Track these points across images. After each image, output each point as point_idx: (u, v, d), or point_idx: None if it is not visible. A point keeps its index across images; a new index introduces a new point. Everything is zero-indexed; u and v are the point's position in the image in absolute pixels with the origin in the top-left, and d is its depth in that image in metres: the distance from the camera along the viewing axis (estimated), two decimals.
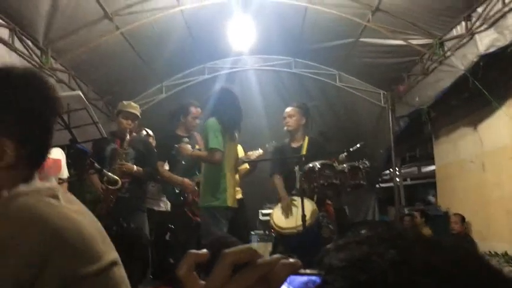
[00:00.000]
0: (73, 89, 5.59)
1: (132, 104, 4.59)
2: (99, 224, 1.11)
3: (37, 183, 1.11)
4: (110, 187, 4.06)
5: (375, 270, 0.44)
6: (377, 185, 9.08)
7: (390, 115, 7.18)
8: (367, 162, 4.23)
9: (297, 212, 3.85)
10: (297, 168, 4.05)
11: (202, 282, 0.53)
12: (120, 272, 1.07)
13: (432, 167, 8.57)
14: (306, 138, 4.41)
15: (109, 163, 4.33)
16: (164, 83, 7.32)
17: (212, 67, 7.38)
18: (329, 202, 4.53)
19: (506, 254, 4.53)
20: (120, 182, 4.06)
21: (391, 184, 8.42)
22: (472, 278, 0.44)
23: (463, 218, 5.90)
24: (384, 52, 5.94)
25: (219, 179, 3.82)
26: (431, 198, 9.06)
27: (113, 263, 1.04)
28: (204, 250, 0.55)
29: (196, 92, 6.89)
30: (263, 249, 5.70)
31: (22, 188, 1.06)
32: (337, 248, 0.49)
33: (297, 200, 4.00)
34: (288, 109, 4.58)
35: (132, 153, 4.40)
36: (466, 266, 0.45)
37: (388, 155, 7.64)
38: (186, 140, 4.67)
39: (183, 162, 4.54)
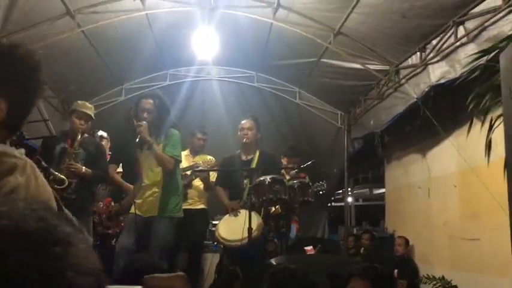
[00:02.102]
0: None
1: (87, 104, 4.51)
2: None
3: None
4: (56, 186, 3.95)
5: None
6: (329, 204, 9.23)
7: (346, 136, 7.35)
8: (324, 184, 4.31)
9: (242, 224, 3.86)
10: (245, 181, 4.08)
11: None
12: None
13: (383, 190, 8.80)
14: (257, 152, 4.45)
15: (57, 162, 4.23)
16: (124, 86, 7.22)
17: (175, 74, 7.36)
18: (296, 219, 4.60)
19: (443, 278, 4.69)
20: (66, 182, 3.96)
21: (343, 204, 8.58)
22: None
23: (407, 241, 6.07)
24: (343, 74, 6.09)
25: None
26: (380, 220, 9.28)
27: None
28: None
29: None
30: (210, 260, 5.69)
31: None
32: None
33: (242, 213, 4.02)
34: (244, 121, 4.61)
35: (82, 154, 4.31)
36: None
37: (341, 175, 7.80)
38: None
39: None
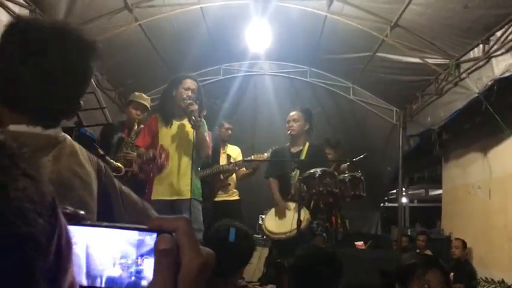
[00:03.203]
0: None
1: (143, 95, 4.63)
2: None
3: None
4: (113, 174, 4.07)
5: None
6: (382, 204, 9.02)
7: (401, 133, 7.12)
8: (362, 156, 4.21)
9: (289, 217, 3.82)
10: (293, 173, 4.03)
11: None
12: None
13: (439, 191, 8.48)
14: (307, 144, 4.38)
15: (115, 151, 4.36)
16: None
17: (228, 69, 7.41)
18: (334, 213, 4.51)
19: (502, 281, 4.44)
20: (123, 170, 4.07)
21: (397, 204, 8.34)
22: None
23: (464, 244, 5.81)
24: (399, 69, 5.90)
25: None
26: (436, 222, 8.95)
27: None
28: None
29: (211, 91, 6.93)
30: (259, 253, 5.68)
31: None
32: None
33: (291, 206, 3.98)
34: (292, 113, 4.57)
35: None
36: None
37: (395, 174, 7.58)
38: None
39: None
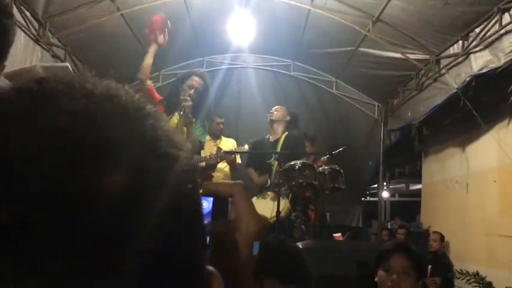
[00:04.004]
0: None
1: None
2: None
3: None
4: None
5: None
6: (363, 198, 9.11)
7: (382, 128, 7.20)
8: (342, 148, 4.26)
9: (268, 206, 3.85)
10: (273, 162, 4.07)
11: None
12: None
13: (419, 186, 8.60)
14: (284, 134, 4.42)
15: None
16: (162, 72, 7.31)
17: (211, 61, 7.39)
18: (312, 208, 4.54)
19: (477, 273, 4.54)
20: None
21: (377, 199, 8.43)
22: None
23: (442, 237, 5.91)
24: (381, 64, 5.96)
25: None
26: (416, 216, 9.06)
27: None
28: None
29: None
30: None
31: None
32: None
33: (269, 196, 4.01)
34: (277, 106, 4.64)
35: None
36: None
37: (376, 168, 7.67)
38: None
39: None
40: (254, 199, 4.17)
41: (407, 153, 7.86)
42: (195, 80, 3.75)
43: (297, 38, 6.36)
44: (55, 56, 5.22)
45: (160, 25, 3.50)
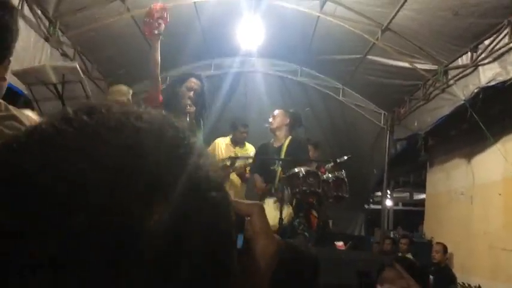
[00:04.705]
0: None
1: (115, 90, 4.48)
2: None
3: None
4: None
5: None
6: (366, 206, 9.09)
7: (388, 137, 7.18)
8: (346, 158, 4.21)
9: (271, 213, 3.84)
10: (277, 168, 4.07)
11: None
12: None
13: (423, 195, 8.58)
14: (288, 138, 4.41)
15: None
16: (169, 73, 7.33)
17: (219, 64, 7.40)
18: (314, 214, 4.53)
19: (479, 287, 4.51)
20: None
21: (381, 207, 8.41)
22: None
23: (445, 248, 5.87)
24: (388, 72, 5.95)
25: None
26: (419, 226, 9.04)
27: None
28: None
29: None
30: None
31: None
32: None
33: (272, 202, 4.01)
34: (275, 111, 4.63)
35: None
36: None
37: (381, 176, 7.65)
38: None
39: None
40: None
41: (412, 162, 7.84)
42: (194, 82, 3.67)
43: (306, 43, 6.37)
44: (64, 55, 5.25)
45: (160, 14, 3.43)
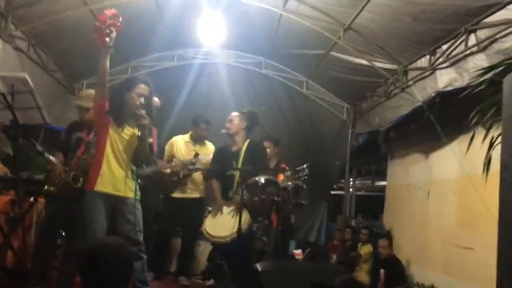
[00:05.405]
0: (31, 58, 5.43)
1: (88, 93, 4.29)
2: None
3: None
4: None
5: None
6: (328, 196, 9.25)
7: (350, 129, 7.29)
8: (306, 168, 4.22)
9: (230, 220, 3.85)
10: (235, 173, 4.08)
11: None
12: None
13: (385, 182, 8.78)
14: (246, 142, 4.39)
15: (73, 152, 4.05)
16: (131, 64, 7.17)
17: (182, 55, 7.28)
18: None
19: (432, 286, 4.68)
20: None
21: (343, 192, 8.57)
22: None
23: (390, 242, 6.04)
24: (351, 69, 5.99)
25: None
26: (379, 215, 9.28)
27: None
28: None
29: (164, 77, 6.80)
30: (203, 247, 5.73)
31: None
32: None
33: (230, 209, 4.02)
34: (231, 114, 4.56)
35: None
36: None
37: (344, 167, 7.78)
38: None
39: None
40: (213, 214, 4.17)
41: (373, 154, 7.98)
42: (144, 88, 3.56)
43: (270, 37, 6.33)
44: (17, 49, 5.04)
45: (112, 20, 3.27)
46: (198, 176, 5.24)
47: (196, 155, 5.15)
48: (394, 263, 5.84)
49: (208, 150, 5.23)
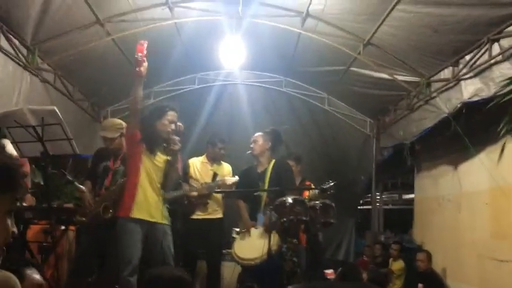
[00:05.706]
0: (58, 89, 5.57)
1: (113, 123, 4.39)
2: None
3: None
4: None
5: None
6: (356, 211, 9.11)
7: (374, 143, 7.22)
8: (331, 183, 4.18)
9: (259, 242, 3.83)
10: (263, 194, 4.08)
11: None
12: None
13: (412, 195, 8.63)
14: (272, 162, 4.38)
15: (101, 181, 4.17)
16: (154, 89, 7.29)
17: (203, 78, 7.38)
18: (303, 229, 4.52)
19: None
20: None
21: (370, 207, 8.45)
22: None
23: (429, 256, 5.91)
24: (372, 83, 5.97)
25: None
26: (409, 230, 9.11)
27: None
28: None
29: (186, 100, 6.89)
30: (233, 268, 5.68)
31: None
32: None
33: (261, 229, 4.01)
34: (254, 135, 4.57)
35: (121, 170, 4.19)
36: None
37: (369, 182, 7.69)
38: None
39: None
40: (241, 236, 4.16)
41: (399, 167, 7.87)
42: (173, 115, 3.68)
43: (288, 56, 6.37)
44: (45, 81, 5.18)
45: (144, 51, 3.44)
46: (217, 196, 5.24)
47: (215, 175, 5.16)
48: (433, 277, 5.72)
49: (225, 170, 5.24)
